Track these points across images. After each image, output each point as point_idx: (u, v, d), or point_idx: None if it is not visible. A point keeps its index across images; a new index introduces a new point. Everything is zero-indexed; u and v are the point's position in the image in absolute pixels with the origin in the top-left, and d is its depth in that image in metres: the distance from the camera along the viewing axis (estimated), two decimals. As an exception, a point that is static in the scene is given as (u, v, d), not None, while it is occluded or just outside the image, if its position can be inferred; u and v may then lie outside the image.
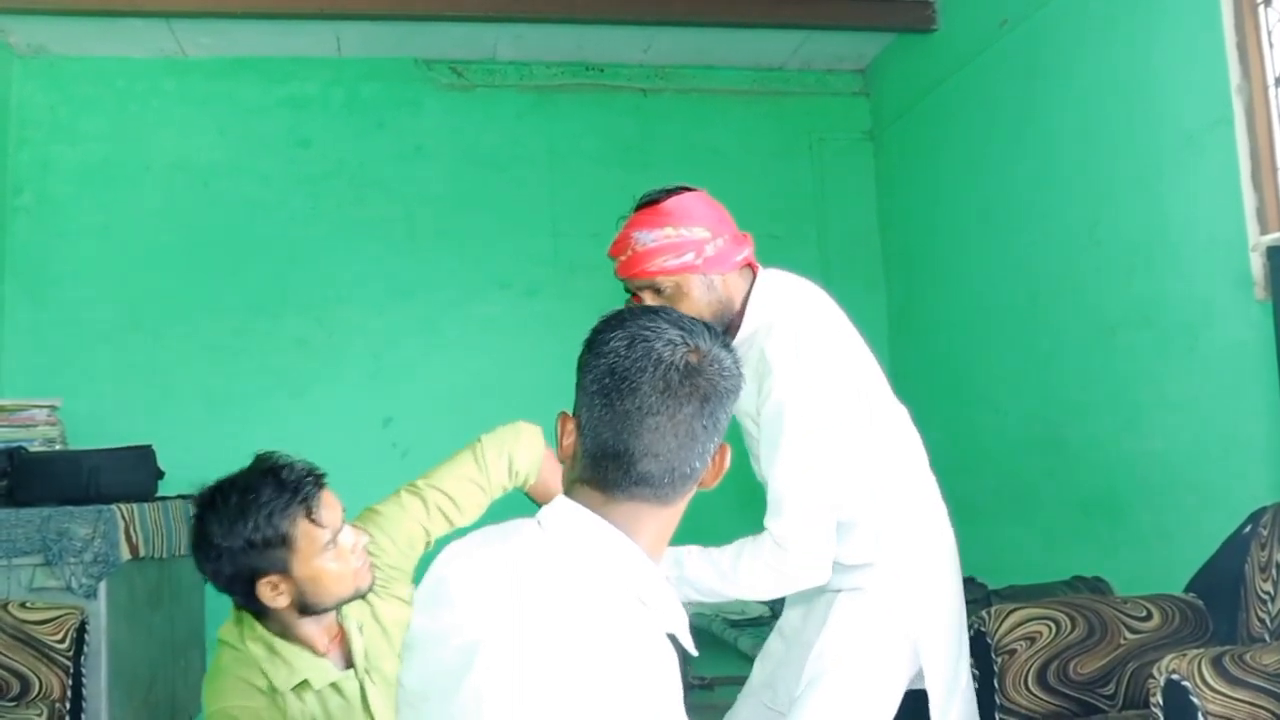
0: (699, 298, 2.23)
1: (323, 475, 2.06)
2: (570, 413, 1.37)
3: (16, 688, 3.20)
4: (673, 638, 1.31)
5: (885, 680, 2.27)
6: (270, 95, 5.35)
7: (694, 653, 1.41)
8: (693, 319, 1.36)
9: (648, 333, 1.31)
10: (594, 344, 1.34)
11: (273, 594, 1.96)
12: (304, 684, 2.02)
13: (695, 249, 2.21)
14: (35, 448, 4.30)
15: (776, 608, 2.76)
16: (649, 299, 2.23)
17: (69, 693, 3.24)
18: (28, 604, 3.31)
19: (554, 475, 2.37)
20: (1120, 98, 3.83)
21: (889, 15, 5.22)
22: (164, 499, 4.18)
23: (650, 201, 2.25)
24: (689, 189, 2.27)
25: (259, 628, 2.04)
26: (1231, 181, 3.33)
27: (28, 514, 3.56)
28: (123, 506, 3.68)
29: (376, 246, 5.31)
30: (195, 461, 4.50)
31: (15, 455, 3.94)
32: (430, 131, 5.46)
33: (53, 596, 3.45)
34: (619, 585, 1.27)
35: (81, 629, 3.29)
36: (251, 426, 4.98)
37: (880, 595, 2.27)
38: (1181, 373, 3.55)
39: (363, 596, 2.08)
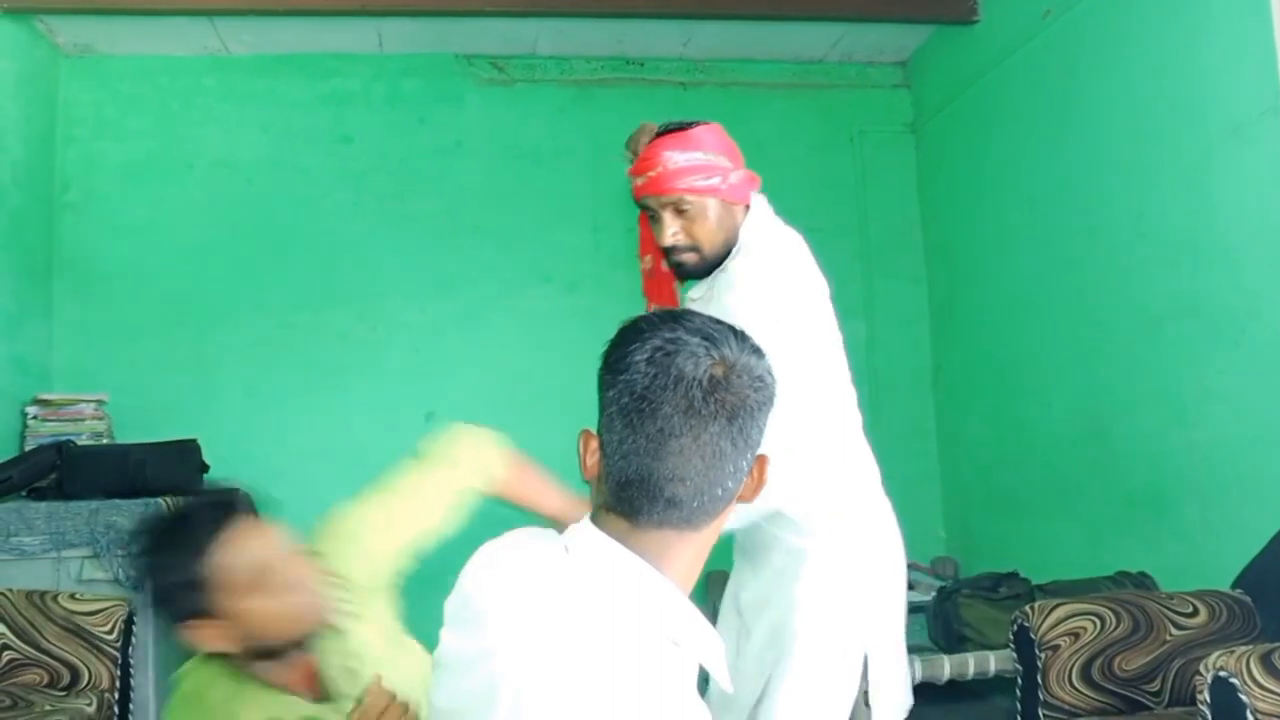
0: (715, 221, 2.34)
1: (239, 505, 1.86)
2: (593, 430, 1.30)
3: (67, 677, 3.24)
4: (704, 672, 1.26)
5: (848, 649, 2.24)
6: (312, 91, 5.39)
7: (728, 688, 1.34)
8: (718, 324, 1.27)
9: (669, 346, 1.22)
10: (612, 360, 1.26)
11: (205, 638, 1.80)
12: None
13: (721, 174, 2.33)
14: (83, 441, 4.37)
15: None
16: (668, 217, 2.34)
17: (117, 683, 3.28)
18: (77, 595, 3.35)
19: (523, 479, 2.27)
20: (1166, 88, 3.78)
21: (930, 7, 5.19)
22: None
23: (679, 126, 2.35)
24: (708, 122, 2.38)
25: (224, 666, 1.87)
26: (1280, 172, 3.29)
27: (76, 507, 3.61)
28: (169, 499, 3.71)
29: (418, 241, 5.34)
30: (239, 455, 4.60)
31: (64, 449, 4.00)
32: (471, 126, 5.48)
33: (101, 588, 3.50)
34: (651, 626, 1.20)
35: (129, 620, 3.33)
36: (295, 420, 5.03)
37: (828, 561, 2.25)
38: (1229, 365, 3.51)
39: (324, 631, 1.89)
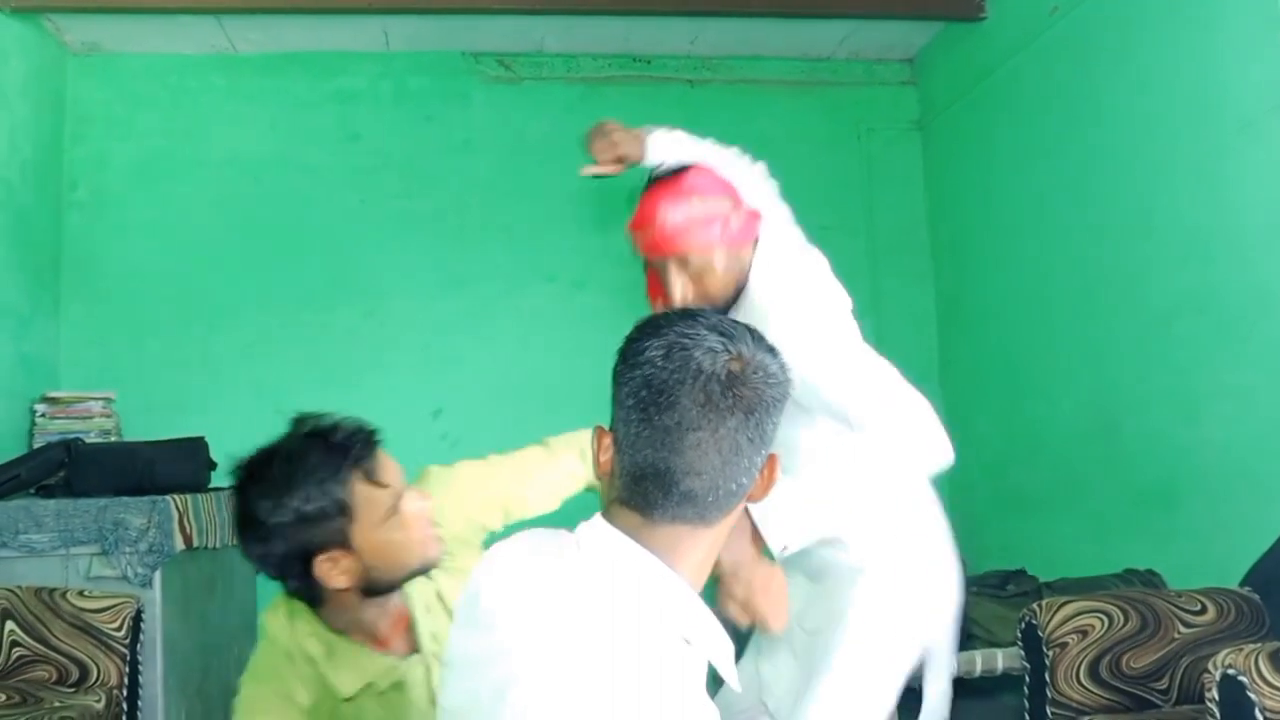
0: (723, 270, 2.24)
1: (375, 432, 1.86)
2: (607, 427, 1.30)
3: (76, 674, 3.25)
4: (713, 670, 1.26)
5: (900, 654, 2.25)
6: (319, 90, 5.39)
7: (736, 688, 1.33)
8: (734, 323, 1.27)
9: (686, 340, 1.22)
10: (629, 354, 1.26)
11: (333, 572, 1.77)
12: (369, 686, 1.84)
13: (721, 222, 2.21)
14: (91, 439, 4.38)
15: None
16: (673, 272, 2.23)
17: (126, 680, 3.29)
18: (85, 592, 3.36)
19: None
20: (1175, 84, 3.77)
21: (938, 4, 5.18)
22: (217, 490, 4.23)
23: (670, 174, 2.25)
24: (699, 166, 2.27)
25: (315, 623, 1.87)
26: (1290, 168, 3.28)
27: (85, 504, 3.62)
28: (177, 497, 3.73)
29: (426, 239, 5.34)
30: (247, 452, 4.59)
31: (72, 447, 4.00)
32: (478, 124, 5.48)
33: (109, 585, 3.51)
34: (660, 624, 1.19)
35: (138, 618, 3.34)
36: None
37: (887, 573, 2.24)
38: (1239, 361, 3.50)
39: (429, 571, 1.89)
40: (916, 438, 2.08)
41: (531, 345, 5.32)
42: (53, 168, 5.01)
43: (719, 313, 2.26)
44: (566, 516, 1.54)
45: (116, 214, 5.14)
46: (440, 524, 1.93)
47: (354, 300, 5.25)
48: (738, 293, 2.27)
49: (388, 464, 1.84)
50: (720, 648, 1.25)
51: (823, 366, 2.10)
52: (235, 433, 4.55)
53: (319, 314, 5.21)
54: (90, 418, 4.54)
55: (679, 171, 2.24)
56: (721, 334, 1.23)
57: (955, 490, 5.43)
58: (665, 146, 2.34)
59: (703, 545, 1.27)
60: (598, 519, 1.28)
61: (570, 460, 2.23)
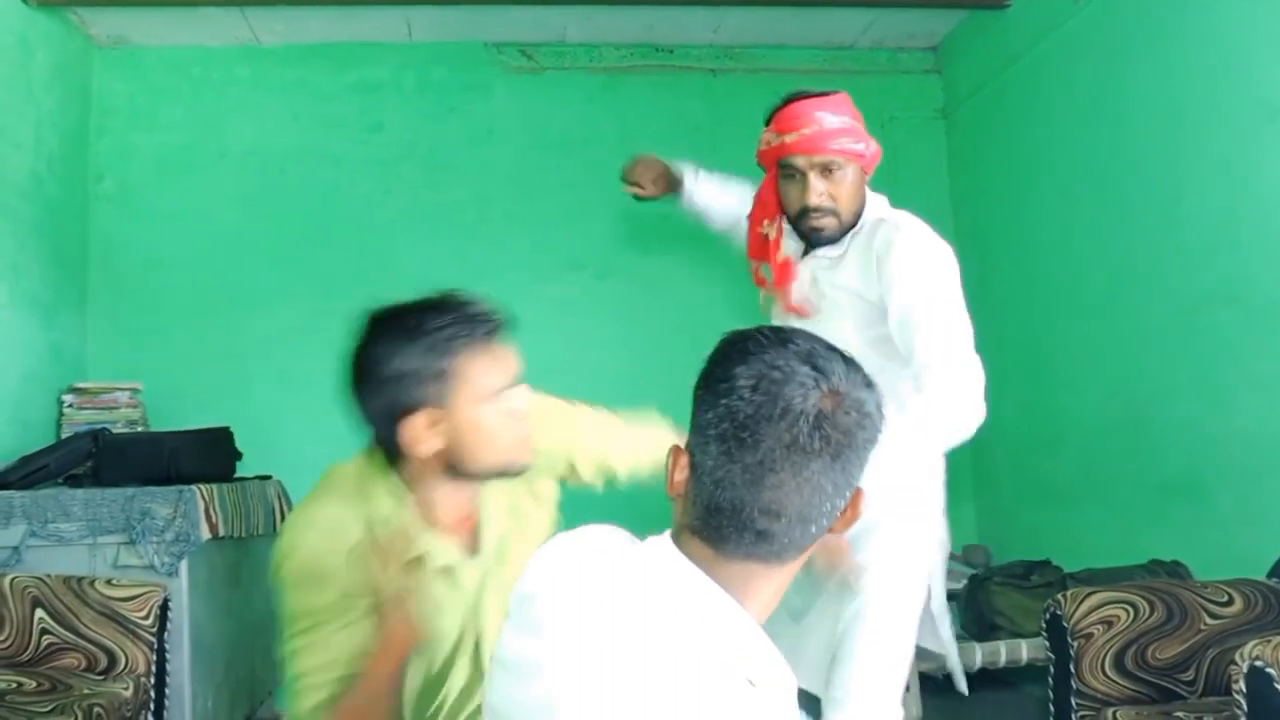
0: (855, 187, 2.44)
1: (508, 320, 1.86)
2: (684, 447, 1.23)
3: (104, 662, 3.28)
4: None
5: (916, 595, 2.40)
6: (342, 81, 5.41)
7: None
8: (828, 350, 1.19)
9: (776, 373, 1.14)
10: (713, 380, 1.18)
11: (427, 433, 1.76)
12: (415, 560, 1.78)
13: (866, 141, 2.41)
14: (118, 429, 4.41)
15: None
16: (814, 178, 2.38)
17: (153, 668, 3.31)
18: (113, 581, 3.38)
19: None
20: (1202, 72, 3.74)
21: (962, -8, 5.16)
22: (242, 479, 4.26)
23: (822, 91, 2.41)
24: None
25: (395, 480, 1.84)
26: (1319, 156, 3.26)
27: (112, 494, 3.64)
28: (202, 487, 3.75)
29: (449, 229, 5.35)
30: (271, 442, 4.63)
31: (99, 437, 4.04)
32: (501, 114, 5.49)
33: (136, 574, 3.53)
34: (727, 664, 1.14)
35: (164, 606, 3.36)
36: (326, 408, 5.02)
37: (902, 525, 2.37)
38: (1267, 351, 3.47)
39: (513, 476, 1.87)
40: (965, 394, 2.23)
41: (555, 335, 5.31)
42: (79, 160, 5.04)
43: (835, 238, 2.43)
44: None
45: (142, 206, 5.18)
46: (538, 446, 1.92)
47: (377, 290, 5.23)
48: (855, 219, 2.45)
49: (508, 353, 1.84)
50: (786, 688, 1.20)
51: (925, 301, 2.29)
52: (260, 422, 4.67)
53: (343, 304, 5.13)
54: (117, 408, 4.58)
55: (828, 90, 2.41)
56: (814, 367, 1.15)
57: (980, 480, 5.42)
58: (697, 176, 2.79)
59: (774, 583, 1.22)
60: (667, 543, 1.22)
61: (655, 445, 2.23)
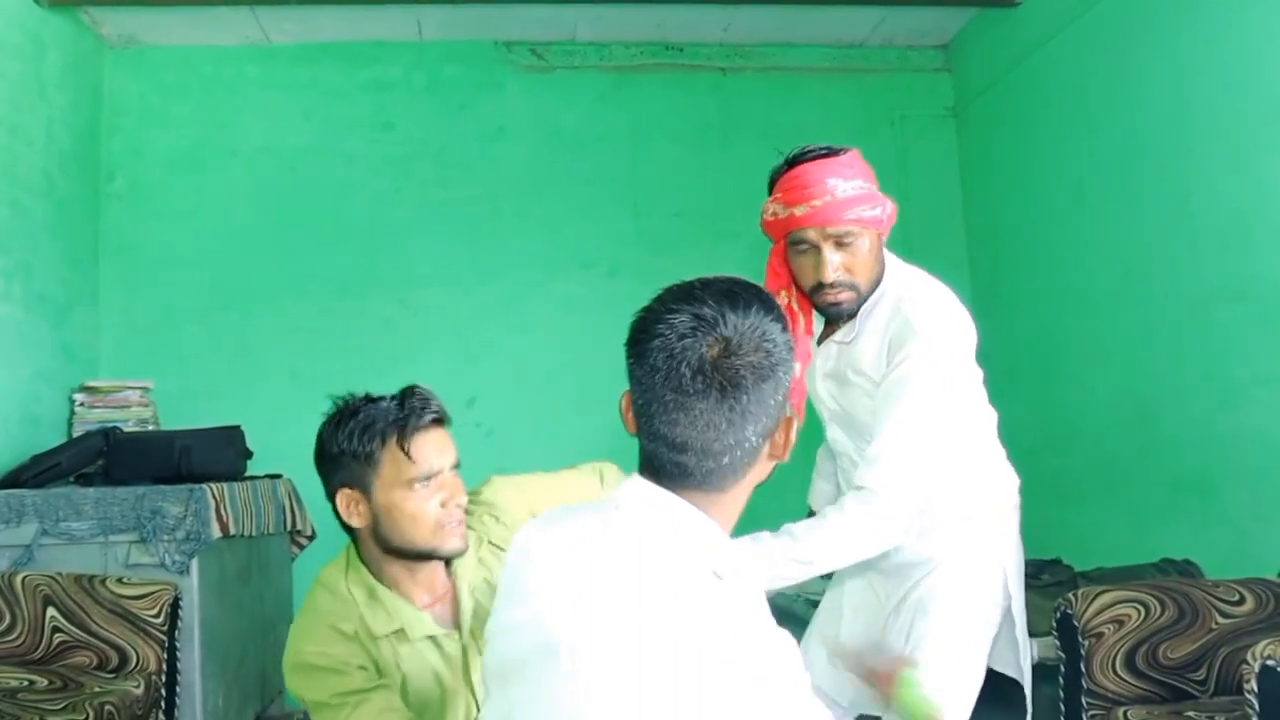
0: (873, 254, 2.24)
1: (442, 416, 2.02)
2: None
3: (115, 660, 3.29)
4: None
5: (989, 611, 2.33)
6: (353, 79, 5.42)
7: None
8: (728, 297, 1.31)
9: (667, 328, 1.29)
10: (633, 337, 1.35)
11: (348, 508, 1.97)
12: (400, 633, 1.98)
13: (882, 205, 2.21)
14: (129, 428, 4.42)
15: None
16: (828, 250, 2.19)
17: (164, 666, 3.32)
18: (124, 579, 3.40)
19: None
20: (1212, 68, 3.73)
21: (971, -11, 5.15)
22: (253, 478, 4.27)
23: (831, 151, 2.23)
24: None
25: (363, 570, 2.03)
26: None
27: (123, 492, 3.66)
28: (213, 485, 3.76)
29: (460, 227, 5.36)
30: (282, 441, 4.62)
31: (111, 435, 4.05)
32: (512, 113, 5.49)
33: (147, 573, 3.54)
34: (693, 559, 1.27)
35: (175, 604, 3.38)
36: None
37: (979, 541, 2.33)
38: (1278, 348, 3.46)
39: (448, 558, 2.02)
40: (887, 524, 2.12)
41: (565, 333, 5.32)
42: (90, 159, 5.06)
43: (853, 312, 2.25)
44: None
45: (153, 204, 5.19)
46: (500, 515, 2.15)
47: (388, 289, 5.28)
48: (874, 288, 2.25)
49: (434, 444, 1.98)
50: (751, 578, 1.33)
51: (905, 407, 2.13)
52: (270, 421, 4.68)
53: (354, 303, 5.24)
54: (128, 406, 4.59)
55: (837, 149, 2.24)
56: (701, 319, 1.29)
57: (990, 479, 5.39)
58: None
59: (724, 508, 1.34)
60: (635, 477, 1.36)
61: (596, 487, 2.40)
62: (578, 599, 1.26)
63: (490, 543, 2.12)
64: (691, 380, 1.27)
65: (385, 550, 1.99)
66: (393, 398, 2.02)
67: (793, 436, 1.36)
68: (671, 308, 1.31)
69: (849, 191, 2.16)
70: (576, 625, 1.24)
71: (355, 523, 1.98)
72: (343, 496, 1.97)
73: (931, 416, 2.14)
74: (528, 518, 2.13)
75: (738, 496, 1.35)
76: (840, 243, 2.18)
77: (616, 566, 1.27)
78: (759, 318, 1.31)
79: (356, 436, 1.95)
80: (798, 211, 2.18)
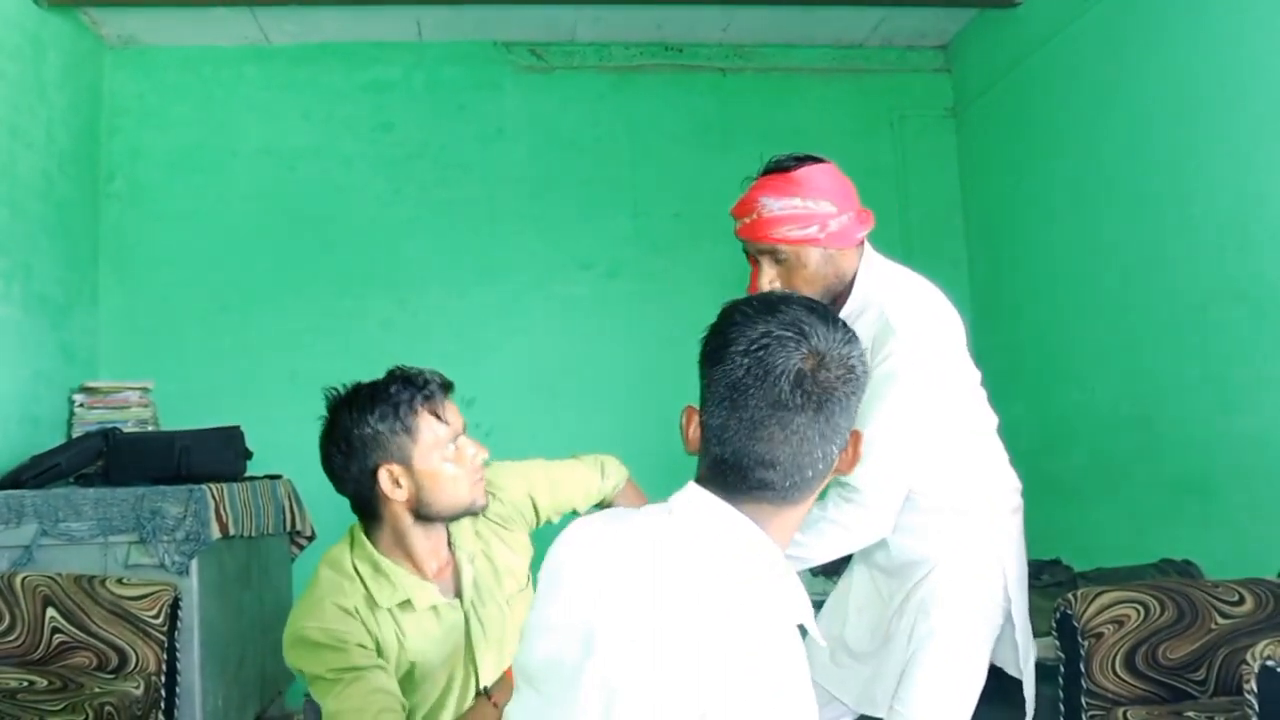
0: (815, 270, 2.23)
1: (449, 384, 2.17)
2: (696, 407, 1.37)
3: (115, 660, 3.29)
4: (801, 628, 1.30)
5: (986, 623, 2.32)
6: (353, 80, 5.42)
7: (822, 643, 1.38)
8: (813, 313, 1.32)
9: (764, 339, 1.28)
10: (711, 350, 1.33)
11: (392, 485, 2.04)
12: (405, 604, 2.06)
13: (820, 222, 2.20)
14: (129, 428, 4.42)
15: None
16: (765, 264, 2.23)
17: (164, 666, 3.32)
18: (124, 580, 3.40)
19: (631, 496, 2.58)
20: (1212, 69, 3.73)
21: (970, -10, 5.15)
22: (252, 478, 4.27)
23: (781, 168, 2.22)
24: (820, 160, 2.24)
25: (369, 547, 2.10)
26: (1330, 154, 3.24)
27: (123, 493, 3.66)
28: (213, 486, 3.76)
29: (459, 228, 5.36)
30: (282, 442, 4.63)
31: (110, 436, 4.05)
32: (511, 113, 5.49)
33: (147, 573, 3.54)
34: (746, 573, 1.27)
35: (175, 605, 3.38)
36: (337, 407, 5.06)
37: (955, 564, 2.30)
38: (1276, 349, 3.46)
39: (475, 514, 2.15)
40: (874, 529, 2.16)
41: (564, 333, 5.33)
42: (90, 160, 5.06)
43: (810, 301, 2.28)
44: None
45: (153, 205, 5.19)
46: (498, 491, 2.27)
47: (388, 289, 5.28)
48: (833, 296, 2.26)
49: (452, 409, 2.14)
50: (801, 603, 1.31)
51: (885, 388, 2.12)
52: (269, 421, 4.68)
53: (353, 303, 5.24)
54: (128, 407, 4.58)
55: (793, 165, 2.22)
56: (798, 331, 1.29)
57: (989, 479, 5.38)
58: None
59: (785, 518, 1.34)
60: (692, 486, 1.35)
61: (605, 485, 2.54)
62: (616, 605, 1.26)
63: (487, 517, 2.24)
64: (790, 394, 1.27)
65: (422, 518, 2.08)
66: (397, 374, 2.13)
67: (860, 451, 1.38)
68: (755, 321, 1.30)
69: (774, 211, 2.19)
70: (610, 633, 1.24)
71: (399, 496, 2.05)
72: (385, 474, 2.04)
73: (914, 412, 2.15)
74: (526, 499, 2.32)
75: (801, 511, 1.37)
76: (776, 258, 2.23)
77: (670, 571, 1.26)
78: (843, 331, 1.33)
79: (393, 414, 2.05)
80: (737, 225, 2.26)
